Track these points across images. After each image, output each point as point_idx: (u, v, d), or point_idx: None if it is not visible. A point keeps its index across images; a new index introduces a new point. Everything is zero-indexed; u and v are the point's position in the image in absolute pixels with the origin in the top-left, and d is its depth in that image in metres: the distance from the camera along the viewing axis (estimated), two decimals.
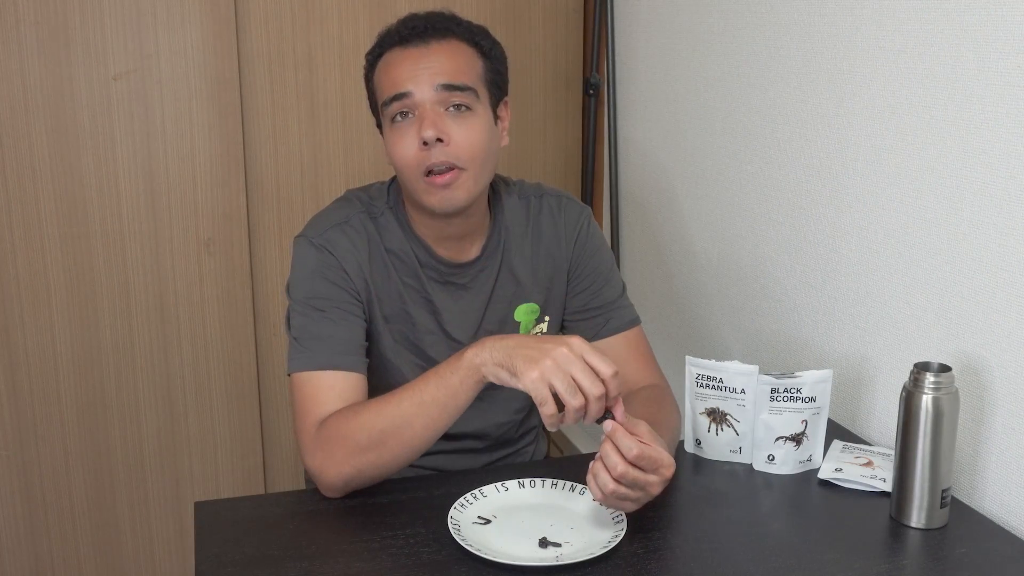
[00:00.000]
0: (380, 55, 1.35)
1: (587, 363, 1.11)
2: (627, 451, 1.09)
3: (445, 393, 1.19)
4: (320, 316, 1.33)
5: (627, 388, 1.44)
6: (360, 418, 1.23)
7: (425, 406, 1.20)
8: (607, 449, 1.10)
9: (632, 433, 1.12)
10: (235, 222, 2.10)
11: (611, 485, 1.10)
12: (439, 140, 1.28)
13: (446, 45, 1.32)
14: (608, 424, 1.11)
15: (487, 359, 1.16)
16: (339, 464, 1.23)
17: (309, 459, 1.26)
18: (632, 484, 1.10)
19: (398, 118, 1.31)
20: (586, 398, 1.10)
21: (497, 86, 1.37)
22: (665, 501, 1.22)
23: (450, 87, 1.29)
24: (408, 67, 1.30)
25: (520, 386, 1.12)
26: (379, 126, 1.39)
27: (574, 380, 1.09)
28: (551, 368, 1.10)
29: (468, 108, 1.31)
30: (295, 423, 1.32)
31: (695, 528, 1.20)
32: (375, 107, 1.38)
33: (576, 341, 1.12)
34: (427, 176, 1.30)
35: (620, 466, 1.09)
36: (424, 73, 1.29)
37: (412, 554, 1.12)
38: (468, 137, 1.30)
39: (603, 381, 1.10)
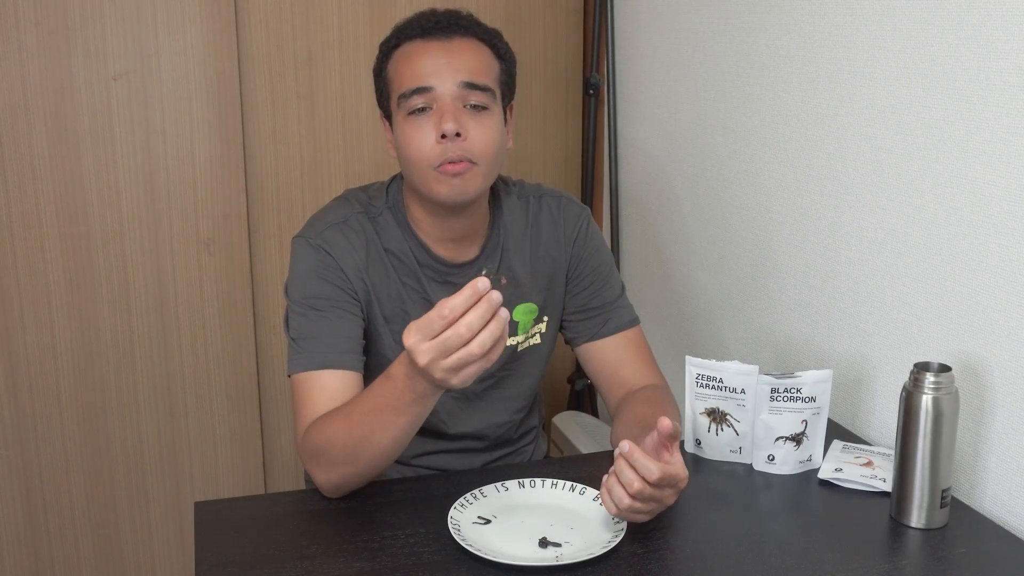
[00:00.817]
0: (397, 46, 1.35)
1: (455, 319, 1.02)
2: (649, 474, 1.07)
3: (407, 419, 1.16)
4: (318, 316, 1.33)
5: (626, 388, 1.44)
6: (331, 432, 1.22)
7: (387, 424, 1.17)
8: (622, 466, 1.09)
9: (666, 446, 1.09)
10: (235, 222, 2.10)
11: (627, 501, 1.09)
12: (457, 135, 1.28)
13: (467, 43, 1.33)
14: (625, 444, 1.09)
15: (429, 388, 1.10)
16: (325, 473, 1.23)
17: (303, 464, 1.28)
18: (648, 499, 1.09)
19: (416, 112, 1.30)
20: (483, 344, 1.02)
21: (509, 88, 1.38)
22: None
23: (472, 86, 1.30)
24: (430, 60, 1.30)
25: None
26: (387, 118, 1.38)
27: (460, 351, 1.02)
28: (445, 365, 1.03)
29: (485, 108, 1.31)
30: (293, 425, 1.32)
31: (695, 528, 1.20)
32: (385, 98, 1.37)
33: (410, 333, 1.04)
34: (438, 166, 1.29)
35: (636, 483, 1.07)
36: (447, 69, 1.30)
37: (412, 554, 1.12)
38: (484, 135, 1.30)
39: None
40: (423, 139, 1.29)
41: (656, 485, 1.08)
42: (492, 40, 1.37)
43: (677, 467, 1.09)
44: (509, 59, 1.39)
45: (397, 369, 1.12)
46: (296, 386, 1.32)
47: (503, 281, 1.07)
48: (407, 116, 1.31)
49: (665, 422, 1.08)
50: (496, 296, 1.01)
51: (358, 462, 1.21)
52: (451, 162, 1.28)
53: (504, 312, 1.03)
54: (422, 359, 1.03)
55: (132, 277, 2.07)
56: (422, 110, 1.30)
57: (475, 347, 1.01)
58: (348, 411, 1.23)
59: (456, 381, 1.05)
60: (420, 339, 1.03)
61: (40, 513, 2.10)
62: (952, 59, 1.29)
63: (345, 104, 2.14)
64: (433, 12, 1.35)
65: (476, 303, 1.01)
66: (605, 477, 1.12)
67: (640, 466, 1.07)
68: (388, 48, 1.36)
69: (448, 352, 1.02)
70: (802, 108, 1.60)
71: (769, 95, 1.69)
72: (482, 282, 1.01)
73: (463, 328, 1.01)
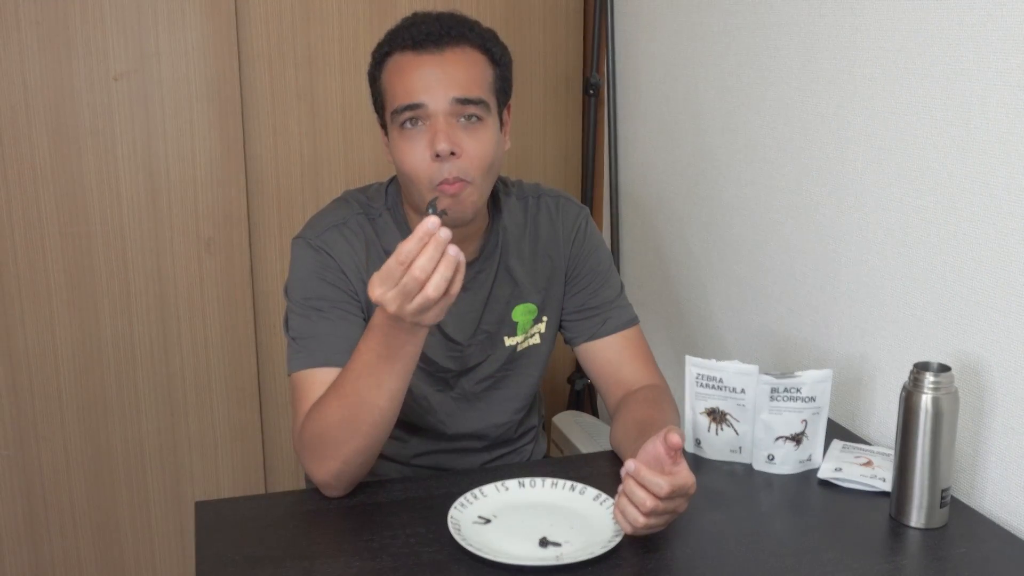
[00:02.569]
0: (389, 54, 1.33)
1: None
2: (659, 490, 1.06)
3: (399, 366, 1.17)
4: (318, 316, 1.33)
5: (626, 388, 1.44)
6: (326, 409, 1.23)
7: (380, 378, 1.18)
8: (632, 486, 1.08)
9: (670, 455, 1.08)
10: (235, 222, 2.10)
11: (641, 520, 1.08)
12: (452, 153, 1.26)
13: (460, 53, 1.30)
14: (631, 463, 1.08)
15: (409, 328, 1.14)
16: (324, 461, 1.23)
17: (303, 463, 1.27)
18: (661, 513, 1.08)
19: (408, 124, 1.29)
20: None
21: (504, 92, 1.37)
22: None
23: (465, 101, 1.28)
24: (422, 76, 1.28)
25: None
26: (382, 125, 1.38)
27: (419, 296, 1.06)
28: (410, 309, 1.07)
29: (479, 119, 1.30)
30: (291, 424, 1.32)
31: (695, 528, 1.20)
32: (380, 106, 1.37)
33: (374, 286, 1.08)
34: (437, 186, 1.28)
35: (649, 501, 1.06)
36: (439, 85, 1.28)
37: (412, 554, 1.12)
38: (478, 149, 1.29)
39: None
40: (417, 155, 1.28)
41: (667, 498, 1.07)
42: (487, 44, 1.34)
43: (684, 476, 1.08)
44: (504, 62, 1.36)
45: (379, 318, 1.15)
46: (295, 384, 1.32)
47: (446, 214, 1.12)
48: (401, 130, 1.30)
49: (675, 438, 1.07)
50: (445, 234, 1.04)
51: (356, 434, 1.20)
52: (447, 182, 1.27)
53: (453, 250, 1.05)
54: (391, 307, 1.07)
55: (132, 277, 2.07)
56: (414, 122, 1.29)
57: (431, 291, 1.05)
58: (337, 383, 1.23)
59: (428, 320, 1.09)
60: (384, 290, 1.07)
61: (40, 513, 2.10)
62: (952, 59, 1.29)
63: (345, 104, 2.14)
64: (426, 18, 1.32)
65: (426, 244, 1.04)
66: (616, 498, 1.11)
67: (649, 483, 1.06)
68: (381, 55, 1.34)
69: (410, 296, 1.06)
70: (802, 108, 1.60)
71: (769, 95, 1.69)
72: (431, 221, 1.05)
73: (417, 271, 1.04)
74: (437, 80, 1.28)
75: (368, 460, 1.24)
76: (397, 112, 1.29)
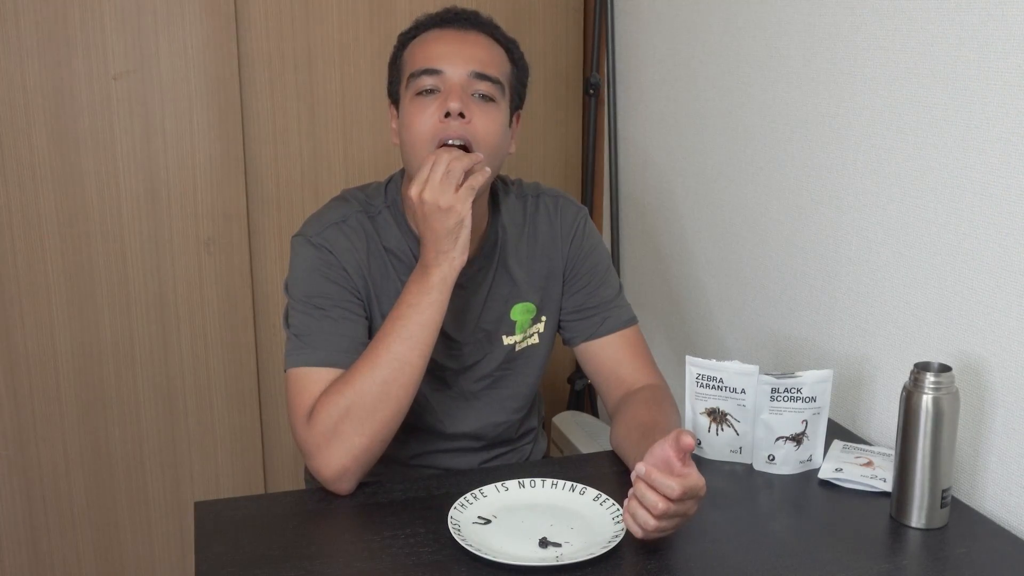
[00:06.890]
0: (415, 36, 1.38)
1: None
2: (670, 492, 1.05)
3: (428, 313, 1.25)
4: (321, 315, 1.33)
5: (625, 388, 1.44)
6: (357, 381, 1.25)
7: (411, 328, 1.25)
8: (643, 489, 1.07)
9: (679, 457, 1.08)
10: (235, 222, 2.10)
11: (653, 523, 1.07)
12: (461, 116, 1.29)
13: (483, 39, 1.36)
14: (641, 467, 1.08)
15: (438, 261, 1.26)
16: (339, 446, 1.23)
17: (312, 458, 1.26)
18: (672, 516, 1.08)
19: (423, 93, 1.32)
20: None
21: (518, 93, 1.40)
22: None
23: (482, 76, 1.32)
24: (445, 46, 1.33)
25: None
26: (395, 104, 1.39)
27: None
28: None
29: (492, 100, 1.33)
30: (289, 420, 1.31)
31: (695, 528, 1.19)
32: (395, 83, 1.39)
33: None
34: (437, 147, 1.30)
35: (661, 504, 1.06)
36: (459, 56, 1.32)
37: (412, 554, 1.12)
38: (487, 124, 1.31)
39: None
40: (426, 119, 1.30)
41: (679, 500, 1.06)
42: (508, 44, 1.39)
43: (694, 478, 1.08)
44: (522, 67, 1.41)
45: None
46: (294, 379, 1.31)
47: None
48: (414, 97, 1.32)
49: (687, 440, 1.07)
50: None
51: (388, 399, 1.24)
52: (450, 144, 1.29)
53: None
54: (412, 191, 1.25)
55: (132, 277, 2.07)
56: (430, 92, 1.31)
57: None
58: (367, 353, 1.27)
59: (442, 202, 1.23)
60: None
61: (40, 513, 2.10)
62: (952, 59, 1.29)
63: (345, 104, 2.14)
64: (455, 8, 1.39)
65: None
66: (626, 502, 1.11)
67: (660, 485, 1.06)
68: (406, 38, 1.39)
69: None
70: (802, 108, 1.60)
71: (769, 95, 1.69)
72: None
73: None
74: (458, 52, 1.32)
75: (388, 438, 1.26)
76: (415, 76, 1.32)
